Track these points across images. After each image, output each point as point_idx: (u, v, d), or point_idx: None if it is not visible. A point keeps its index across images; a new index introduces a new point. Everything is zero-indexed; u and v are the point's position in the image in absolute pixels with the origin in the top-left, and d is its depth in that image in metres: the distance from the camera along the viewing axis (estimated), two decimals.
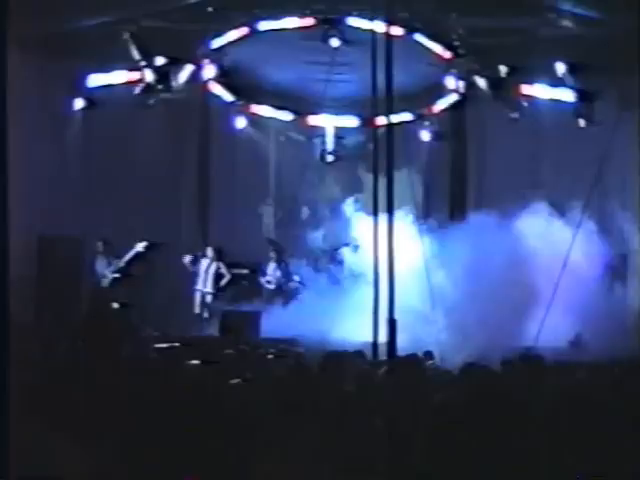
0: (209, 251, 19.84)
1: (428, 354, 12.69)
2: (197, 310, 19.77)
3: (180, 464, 7.60)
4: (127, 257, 19.27)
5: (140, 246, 19.11)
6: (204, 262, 19.76)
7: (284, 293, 20.17)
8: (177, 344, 13.95)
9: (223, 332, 18.46)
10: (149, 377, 8.97)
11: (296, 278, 20.28)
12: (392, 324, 11.68)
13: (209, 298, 19.75)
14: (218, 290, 19.80)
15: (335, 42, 18.57)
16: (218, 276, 19.80)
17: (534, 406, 7.97)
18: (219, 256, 19.79)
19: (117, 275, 19.27)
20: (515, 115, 19.58)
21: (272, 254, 20.32)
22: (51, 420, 7.69)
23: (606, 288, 18.24)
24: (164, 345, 13.48)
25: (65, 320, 17.86)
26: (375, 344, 11.55)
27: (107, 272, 19.32)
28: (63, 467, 7.26)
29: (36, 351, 10.50)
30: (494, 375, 8.63)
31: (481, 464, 7.35)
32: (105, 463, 7.44)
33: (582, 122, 19.17)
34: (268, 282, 20.26)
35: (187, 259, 19.71)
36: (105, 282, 19.34)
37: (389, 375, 9.20)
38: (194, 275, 19.80)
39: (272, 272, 20.25)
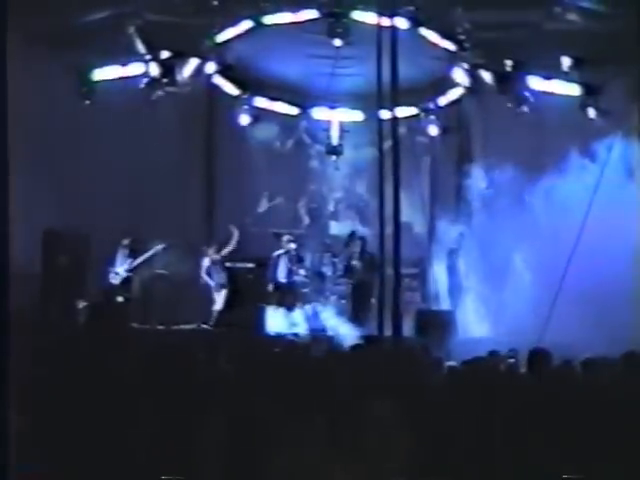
0: (213, 247, 19.86)
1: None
2: (203, 304, 19.76)
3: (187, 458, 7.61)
4: (144, 257, 19.31)
5: (159, 247, 19.17)
6: (210, 258, 19.77)
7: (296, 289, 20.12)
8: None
9: (230, 327, 18.48)
10: (154, 371, 8.98)
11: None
12: (397, 317, 11.67)
13: (216, 292, 19.74)
14: (224, 284, 19.79)
15: (338, 42, 18.36)
16: (224, 271, 19.81)
17: None
18: (223, 250, 19.81)
19: (129, 274, 19.30)
20: (520, 109, 19.54)
21: (283, 249, 20.10)
22: (54, 416, 7.69)
23: None
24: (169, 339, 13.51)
25: (71, 315, 17.91)
26: (380, 336, 11.57)
27: (120, 270, 19.31)
28: (65, 464, 7.26)
29: (40, 347, 10.50)
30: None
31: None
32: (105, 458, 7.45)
33: (591, 113, 19.15)
34: (281, 277, 20.13)
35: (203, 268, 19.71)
36: (116, 279, 19.34)
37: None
38: (202, 271, 19.81)
39: (284, 267, 20.03)
